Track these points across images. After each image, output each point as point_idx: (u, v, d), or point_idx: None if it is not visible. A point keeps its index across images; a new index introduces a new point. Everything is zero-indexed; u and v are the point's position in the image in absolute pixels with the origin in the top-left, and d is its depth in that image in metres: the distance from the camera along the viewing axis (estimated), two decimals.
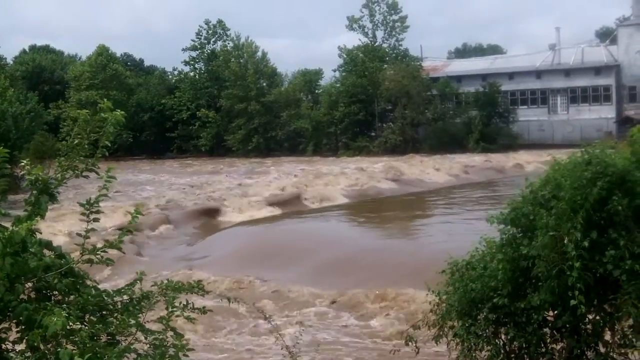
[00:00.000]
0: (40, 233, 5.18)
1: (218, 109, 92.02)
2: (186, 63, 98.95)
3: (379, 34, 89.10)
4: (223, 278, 22.54)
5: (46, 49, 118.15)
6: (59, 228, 27.51)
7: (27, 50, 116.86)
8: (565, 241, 6.76)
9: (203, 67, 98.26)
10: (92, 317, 5.12)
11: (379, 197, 42.95)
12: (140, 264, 22.86)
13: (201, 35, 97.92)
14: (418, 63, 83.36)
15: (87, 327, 4.93)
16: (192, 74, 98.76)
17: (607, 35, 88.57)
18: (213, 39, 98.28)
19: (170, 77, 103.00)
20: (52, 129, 74.47)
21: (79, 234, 5.24)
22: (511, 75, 78.34)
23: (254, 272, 23.55)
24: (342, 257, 24.20)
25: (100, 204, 5.29)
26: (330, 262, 23.80)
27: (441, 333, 8.63)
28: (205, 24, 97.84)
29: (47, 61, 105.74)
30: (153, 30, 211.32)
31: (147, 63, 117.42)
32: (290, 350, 8.65)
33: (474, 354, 8.02)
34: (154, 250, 28.71)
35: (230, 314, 18.27)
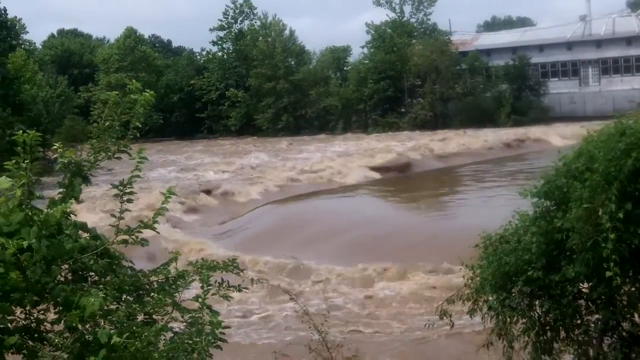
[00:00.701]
0: (75, 215, 5.23)
1: (247, 88, 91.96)
2: (214, 43, 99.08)
3: (407, 8, 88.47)
4: (256, 257, 22.71)
5: (74, 33, 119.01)
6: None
7: (56, 34, 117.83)
8: (600, 213, 6.69)
9: (231, 46, 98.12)
10: (128, 297, 5.18)
11: None
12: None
13: (228, 15, 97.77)
14: (447, 37, 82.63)
15: (124, 307, 4.98)
16: (220, 54, 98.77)
17: (638, 5, 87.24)
18: (240, 19, 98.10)
19: (198, 57, 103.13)
20: (83, 113, 75.04)
21: (113, 215, 5.29)
22: (541, 48, 77.43)
23: (287, 251, 23.68)
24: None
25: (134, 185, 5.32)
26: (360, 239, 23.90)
27: (475, 307, 8.62)
28: (232, 3, 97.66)
29: (76, 45, 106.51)
30: (179, 11, 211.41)
31: (174, 44, 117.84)
32: (319, 328, 8.69)
33: (509, 327, 8.02)
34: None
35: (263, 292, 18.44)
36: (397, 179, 40.76)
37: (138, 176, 5.33)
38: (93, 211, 26.59)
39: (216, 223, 30.76)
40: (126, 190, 5.27)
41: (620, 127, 7.06)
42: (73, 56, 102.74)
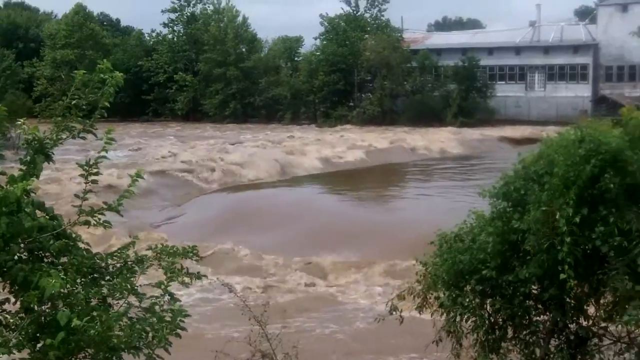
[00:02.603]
0: (35, 193, 5.13)
1: (196, 73, 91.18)
2: (165, 25, 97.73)
3: (362, 3, 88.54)
4: (197, 244, 22.53)
5: (21, 6, 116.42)
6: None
7: (2, 6, 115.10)
8: (557, 216, 6.85)
9: (182, 29, 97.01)
10: (84, 280, 5.09)
11: None
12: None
13: None
14: (399, 35, 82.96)
15: (81, 290, 4.90)
16: (170, 36, 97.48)
17: (586, 14, 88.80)
18: (193, 2, 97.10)
19: (147, 38, 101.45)
20: (26, 88, 73.50)
21: (76, 195, 5.20)
22: (490, 51, 78.27)
23: (231, 238, 23.60)
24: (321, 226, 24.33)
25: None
26: (309, 230, 23.92)
27: (425, 303, 8.71)
28: None
29: (22, 18, 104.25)
30: None
31: (123, 24, 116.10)
32: (259, 320, 8.65)
33: (458, 324, 8.12)
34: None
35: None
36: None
37: (105, 157, 5.25)
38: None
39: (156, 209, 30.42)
40: (92, 171, 5.19)
41: (580, 133, 7.20)
42: (19, 29, 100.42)
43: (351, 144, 51.53)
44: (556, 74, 75.63)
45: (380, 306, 13.70)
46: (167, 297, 5.20)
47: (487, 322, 8.01)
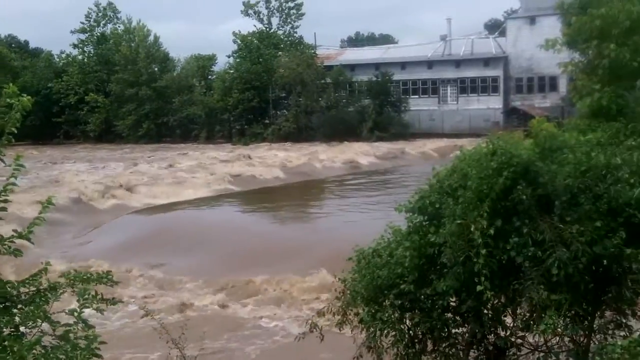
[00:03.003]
0: None
1: (107, 93, 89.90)
2: (75, 46, 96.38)
3: (275, 20, 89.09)
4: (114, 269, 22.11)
5: None
6: None
7: None
8: (472, 229, 6.95)
9: (92, 50, 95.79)
10: None
11: None
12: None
13: (91, 18, 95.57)
14: (312, 51, 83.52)
15: None
16: (80, 57, 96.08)
17: (495, 28, 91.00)
18: (103, 22, 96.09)
19: (57, 60, 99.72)
20: None
21: None
22: (403, 65, 79.43)
23: (144, 260, 23.27)
24: (239, 247, 24.17)
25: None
26: (226, 251, 23.74)
27: (345, 320, 8.72)
28: (95, 6, 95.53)
29: None
30: (39, 11, 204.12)
31: (32, 45, 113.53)
32: (177, 343, 8.56)
33: (379, 340, 8.13)
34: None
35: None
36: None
37: (14, 184, 5.10)
38: None
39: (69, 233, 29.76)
40: (0, 199, 5.03)
41: (492, 147, 7.34)
42: None
43: (267, 161, 51.53)
44: (468, 86, 77.20)
45: (300, 324, 13.69)
46: (81, 324, 5.08)
47: (406, 336, 8.06)
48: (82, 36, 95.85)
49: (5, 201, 5.08)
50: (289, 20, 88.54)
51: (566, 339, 7.86)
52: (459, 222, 7.05)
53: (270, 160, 51.94)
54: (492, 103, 75.40)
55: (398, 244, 7.96)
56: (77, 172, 51.08)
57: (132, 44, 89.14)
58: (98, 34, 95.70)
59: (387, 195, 34.80)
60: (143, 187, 39.80)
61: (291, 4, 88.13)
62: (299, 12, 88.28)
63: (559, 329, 7.42)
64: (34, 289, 5.22)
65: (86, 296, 5.16)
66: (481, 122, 70.98)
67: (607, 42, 8.84)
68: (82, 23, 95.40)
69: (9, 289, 5.11)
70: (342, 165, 51.46)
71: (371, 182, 44.06)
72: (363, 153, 57.38)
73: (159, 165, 53.25)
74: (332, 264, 9.49)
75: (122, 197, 37.41)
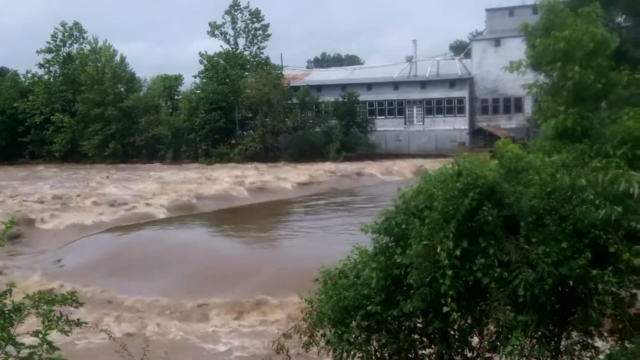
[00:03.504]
0: None
1: (74, 113, 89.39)
2: (41, 66, 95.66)
3: (241, 41, 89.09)
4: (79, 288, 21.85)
5: None
6: None
7: None
8: (438, 250, 6.94)
9: (58, 70, 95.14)
10: None
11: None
12: None
13: (57, 38, 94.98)
14: (279, 71, 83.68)
15: None
16: (46, 77, 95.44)
17: (461, 49, 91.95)
18: (69, 42, 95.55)
19: (23, 79, 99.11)
20: None
21: None
22: (369, 86, 79.88)
23: (107, 282, 23.04)
24: (204, 266, 23.99)
25: None
26: (193, 271, 23.56)
27: (312, 341, 8.65)
28: (62, 25, 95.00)
29: None
30: (3, 30, 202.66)
31: None
32: None
33: None
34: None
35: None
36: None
37: None
38: None
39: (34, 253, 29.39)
40: None
41: (457, 168, 7.35)
42: None
43: (231, 181, 51.26)
44: (434, 107, 77.77)
45: (266, 346, 13.59)
46: (45, 346, 4.99)
47: (373, 357, 8.01)
48: (48, 56, 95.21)
49: None
50: (255, 41, 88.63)
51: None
52: (425, 242, 7.05)
53: (236, 180, 51.61)
54: (458, 124, 75.95)
55: (364, 265, 7.94)
56: None
57: (99, 64, 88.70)
58: (64, 53, 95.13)
59: (353, 216, 34.80)
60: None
61: (257, 25, 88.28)
62: (265, 33, 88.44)
63: (526, 350, 7.42)
64: None
65: (51, 318, 5.07)
66: (447, 142, 71.54)
67: (571, 64, 8.92)
68: (48, 43, 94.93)
69: None
70: (307, 187, 51.21)
71: (337, 203, 44.07)
72: (328, 173, 57.30)
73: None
74: (298, 284, 9.42)
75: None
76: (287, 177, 54.09)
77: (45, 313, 5.02)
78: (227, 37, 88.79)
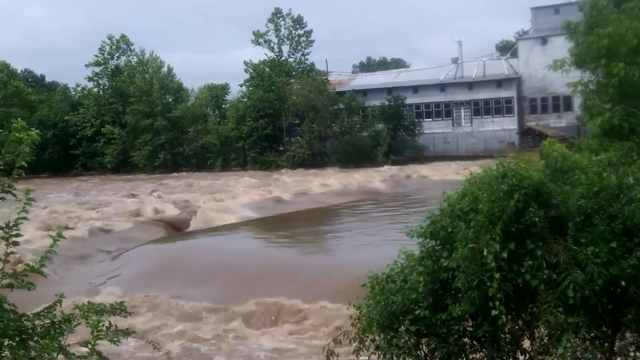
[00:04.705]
0: None
1: (123, 125, 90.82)
2: (89, 79, 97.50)
3: (285, 48, 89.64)
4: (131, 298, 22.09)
5: None
6: None
7: None
8: (485, 253, 6.88)
9: (107, 82, 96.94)
10: (11, 342, 4.95)
11: None
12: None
13: (104, 51, 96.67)
14: (324, 77, 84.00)
15: (8, 354, 4.76)
16: (95, 89, 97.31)
17: (507, 49, 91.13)
18: (117, 54, 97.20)
19: (73, 93, 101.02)
20: None
21: None
22: (415, 89, 79.65)
23: (164, 290, 23.19)
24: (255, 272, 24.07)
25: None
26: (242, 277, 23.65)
27: (361, 346, 8.64)
28: (109, 39, 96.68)
29: None
30: (54, 45, 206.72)
31: (48, 79, 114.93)
32: None
33: None
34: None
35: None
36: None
37: (25, 218, 5.14)
38: None
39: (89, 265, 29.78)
40: (12, 233, 5.07)
41: (502, 169, 7.30)
42: None
43: (281, 188, 51.60)
44: (481, 108, 77.22)
45: (317, 351, 13.60)
46: (95, 356, 5.07)
47: None
48: (97, 69, 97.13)
49: (17, 235, 5.11)
50: (299, 47, 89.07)
51: None
52: (471, 246, 6.99)
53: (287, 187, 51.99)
54: (507, 124, 75.33)
55: (411, 269, 7.90)
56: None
57: (146, 76, 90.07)
58: (112, 66, 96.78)
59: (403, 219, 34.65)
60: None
61: (300, 32, 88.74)
62: (309, 40, 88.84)
63: (578, 352, 7.32)
64: (49, 321, 5.23)
65: (100, 328, 5.16)
66: (496, 143, 71.03)
67: (615, 61, 8.81)
68: (96, 56, 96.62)
69: (24, 321, 5.12)
70: (356, 191, 51.39)
71: (390, 206, 43.94)
72: (379, 177, 57.25)
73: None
74: (348, 290, 9.45)
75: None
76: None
77: (94, 323, 5.11)
78: (271, 44, 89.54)
